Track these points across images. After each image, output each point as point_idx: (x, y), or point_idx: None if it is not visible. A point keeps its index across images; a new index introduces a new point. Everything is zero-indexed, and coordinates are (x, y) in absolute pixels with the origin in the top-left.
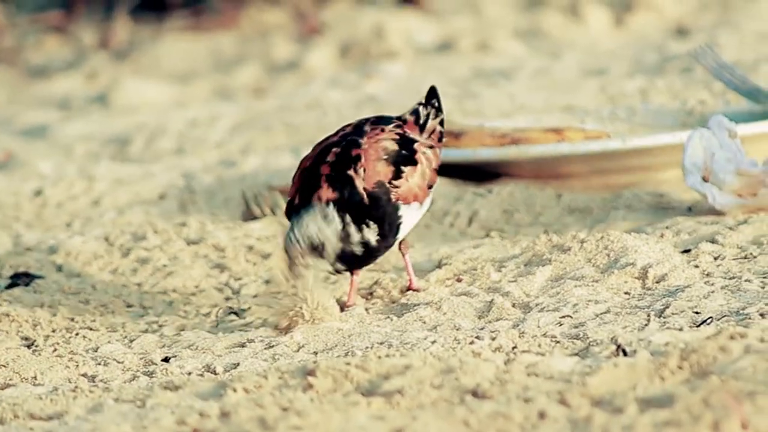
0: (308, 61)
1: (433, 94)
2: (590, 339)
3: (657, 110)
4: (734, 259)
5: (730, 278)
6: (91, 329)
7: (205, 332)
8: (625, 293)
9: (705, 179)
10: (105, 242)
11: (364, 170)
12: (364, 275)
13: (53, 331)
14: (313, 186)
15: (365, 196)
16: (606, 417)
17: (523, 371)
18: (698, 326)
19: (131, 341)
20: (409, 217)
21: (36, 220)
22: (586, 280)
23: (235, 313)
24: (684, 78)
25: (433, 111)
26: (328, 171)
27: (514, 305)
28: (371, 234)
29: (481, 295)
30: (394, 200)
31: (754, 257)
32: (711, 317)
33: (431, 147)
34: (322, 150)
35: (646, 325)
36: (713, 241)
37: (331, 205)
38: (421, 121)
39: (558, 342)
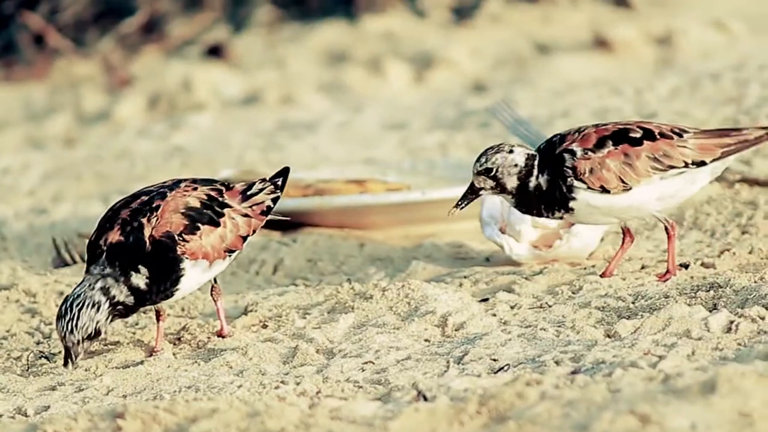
0: (118, 112)
1: (282, 173)
2: (392, 384)
3: (456, 164)
4: (530, 308)
5: (527, 326)
6: None
7: (16, 375)
8: (426, 340)
9: (502, 230)
10: None
11: (157, 219)
12: (171, 320)
13: None
14: (106, 229)
15: (148, 243)
16: None
17: (327, 415)
18: (496, 373)
19: None
20: (194, 272)
21: None
22: (388, 327)
23: (46, 357)
24: (482, 132)
25: (270, 187)
26: (126, 216)
27: (318, 351)
28: (140, 280)
29: (286, 341)
30: (179, 253)
31: (549, 306)
32: (508, 364)
33: (246, 215)
34: (132, 196)
35: (445, 371)
36: (510, 291)
37: (117, 264)
38: (249, 192)
39: (361, 387)
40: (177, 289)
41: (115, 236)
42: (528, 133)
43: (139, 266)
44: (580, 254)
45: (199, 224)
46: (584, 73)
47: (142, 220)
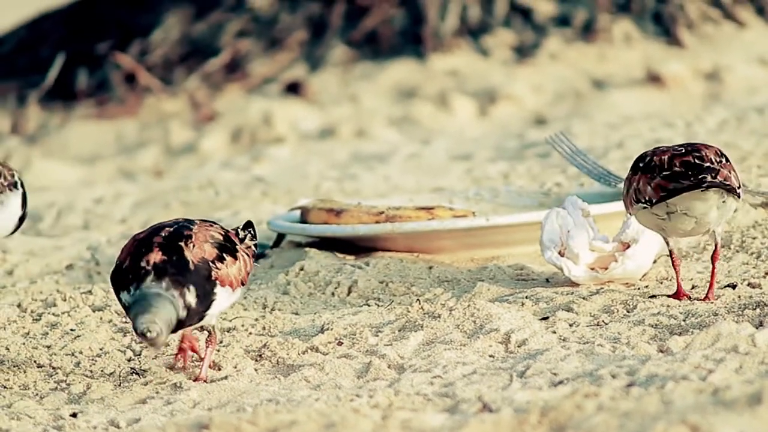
0: (203, 145)
1: (249, 225)
2: (459, 397)
3: (517, 191)
4: (587, 326)
5: (584, 343)
6: (5, 387)
7: (110, 390)
8: (490, 356)
9: (561, 254)
10: (18, 308)
11: (194, 246)
12: (253, 338)
13: None
14: (143, 252)
15: (191, 263)
16: None
17: (399, 426)
18: (556, 386)
19: (42, 398)
20: (222, 298)
21: None
22: (455, 344)
23: (137, 373)
24: (542, 163)
25: (250, 234)
26: (160, 240)
27: (389, 366)
28: (192, 297)
29: (360, 357)
30: (213, 277)
31: (606, 324)
32: (567, 378)
33: (249, 255)
34: (155, 228)
35: (509, 384)
36: (569, 310)
37: (164, 282)
38: (240, 236)
39: (430, 400)
40: (207, 313)
41: (158, 257)
42: (585, 163)
43: (190, 285)
44: (634, 275)
45: (225, 255)
46: (637, 107)
47: (180, 244)
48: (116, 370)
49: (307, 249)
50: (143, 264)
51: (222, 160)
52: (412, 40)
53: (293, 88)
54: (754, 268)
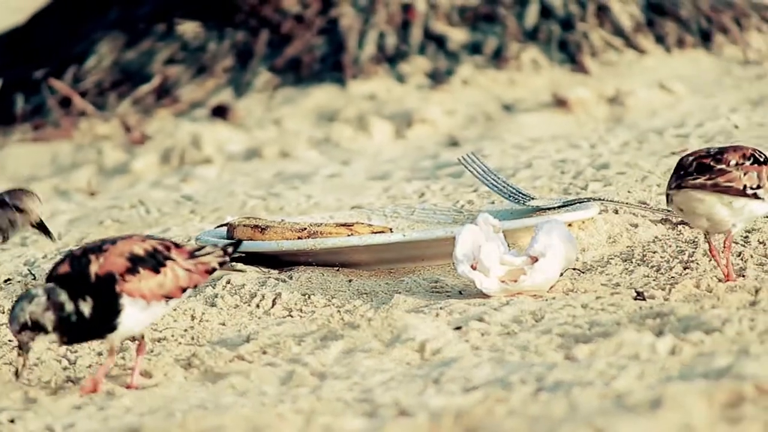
0: (134, 166)
1: (236, 244)
2: (377, 402)
3: (432, 209)
4: (498, 335)
5: (495, 351)
6: None
7: (46, 397)
8: (407, 364)
9: (473, 267)
10: None
11: (104, 259)
12: (183, 348)
13: None
14: (59, 263)
15: (92, 275)
16: None
17: (321, 430)
18: (469, 392)
19: None
20: (132, 309)
21: None
22: (373, 352)
23: (72, 381)
24: (455, 182)
25: (220, 253)
26: (77, 254)
27: (311, 374)
28: (86, 307)
29: (284, 365)
30: (118, 289)
31: (516, 333)
32: (479, 384)
33: (188, 270)
34: (91, 244)
35: (424, 390)
36: (481, 320)
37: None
38: (197, 253)
39: (350, 405)
40: (119, 323)
41: (65, 268)
42: (495, 182)
43: (86, 296)
44: (542, 287)
45: (140, 268)
46: (545, 130)
47: (90, 257)
48: (52, 378)
49: (233, 263)
50: (53, 273)
51: (152, 180)
52: (333, 67)
53: (220, 112)
54: (654, 280)
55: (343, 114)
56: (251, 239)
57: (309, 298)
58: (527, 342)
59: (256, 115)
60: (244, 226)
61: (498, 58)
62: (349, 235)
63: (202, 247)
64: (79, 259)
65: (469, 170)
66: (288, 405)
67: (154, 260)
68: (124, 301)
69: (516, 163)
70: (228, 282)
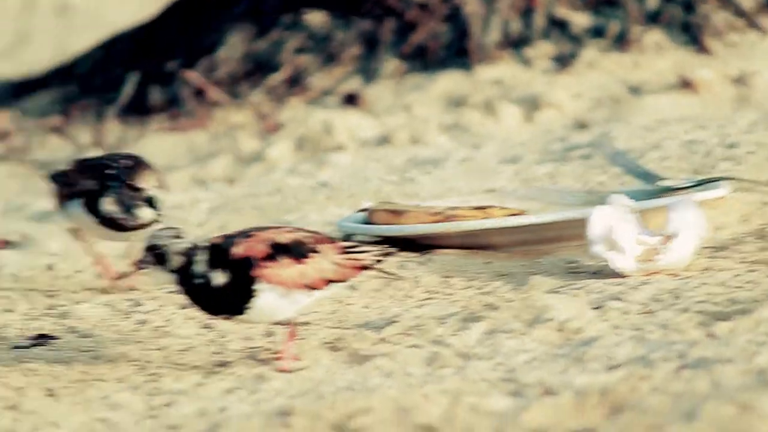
0: (270, 153)
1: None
2: (521, 382)
3: (563, 190)
4: (638, 314)
5: (636, 330)
6: (102, 380)
7: (198, 381)
8: (548, 343)
9: (609, 248)
10: (109, 308)
11: (247, 243)
12: (329, 331)
13: (70, 382)
14: (216, 237)
15: (232, 254)
16: None
17: (467, 409)
18: (611, 370)
19: (136, 389)
20: (267, 295)
21: (49, 290)
22: (515, 333)
23: (222, 366)
24: (585, 164)
25: (377, 252)
26: (230, 234)
27: (456, 355)
28: (218, 278)
29: (428, 346)
30: (253, 273)
31: (655, 312)
32: (622, 362)
33: (336, 264)
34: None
35: (567, 369)
36: (619, 299)
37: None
38: (348, 248)
39: (495, 385)
40: (250, 307)
41: (216, 240)
42: (625, 163)
43: (223, 270)
44: (678, 266)
45: (280, 256)
46: (671, 111)
47: (238, 239)
48: (203, 363)
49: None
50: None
51: (288, 167)
52: (458, 53)
53: (350, 100)
54: None
55: (471, 99)
56: (389, 223)
57: (449, 280)
58: (667, 320)
59: (386, 101)
60: (382, 211)
61: (621, 41)
62: (484, 218)
63: (360, 244)
64: (229, 237)
65: (599, 152)
66: (434, 386)
67: (298, 250)
68: (261, 286)
69: (644, 144)
70: None
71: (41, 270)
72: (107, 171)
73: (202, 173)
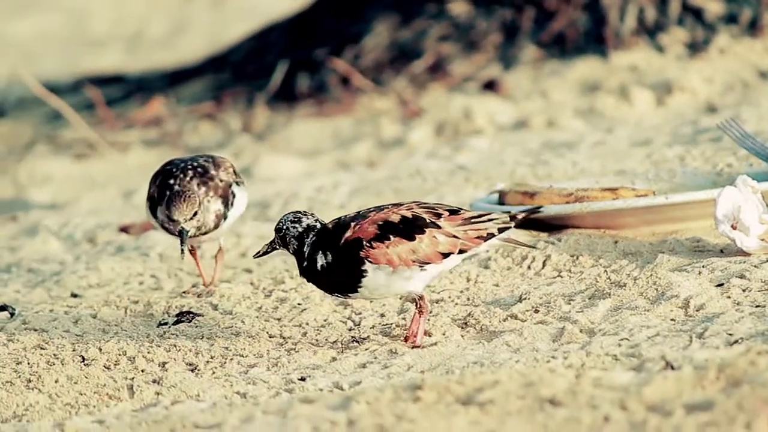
0: (410, 138)
1: (532, 211)
2: (644, 357)
3: (693, 172)
4: (759, 291)
5: (757, 306)
6: (242, 356)
7: (333, 356)
8: (671, 320)
9: (733, 227)
10: (251, 286)
11: (357, 227)
12: (459, 308)
13: (212, 357)
14: (333, 221)
15: (342, 239)
16: (658, 419)
17: (590, 383)
18: (731, 345)
19: (274, 365)
20: (377, 275)
21: (195, 269)
22: (639, 309)
23: (357, 341)
24: (714, 146)
25: (503, 220)
26: (346, 217)
27: (581, 331)
28: (322, 260)
29: (555, 323)
30: (362, 254)
31: None
32: (742, 338)
33: (453, 236)
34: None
35: (689, 345)
36: (742, 277)
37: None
38: (474, 219)
39: (618, 360)
40: (361, 286)
41: (331, 224)
42: (754, 145)
43: (328, 252)
44: None
45: (391, 235)
46: None
47: (351, 223)
48: (339, 338)
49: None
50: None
51: (428, 151)
52: (595, 40)
53: (490, 86)
54: None
55: (606, 84)
56: (522, 204)
57: (577, 259)
58: None
59: (524, 87)
60: (515, 192)
61: (753, 27)
62: (614, 199)
63: (484, 215)
64: (342, 219)
65: (729, 134)
66: (559, 360)
67: (410, 227)
68: (368, 266)
69: None
70: (501, 246)
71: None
72: (170, 180)
73: (346, 157)
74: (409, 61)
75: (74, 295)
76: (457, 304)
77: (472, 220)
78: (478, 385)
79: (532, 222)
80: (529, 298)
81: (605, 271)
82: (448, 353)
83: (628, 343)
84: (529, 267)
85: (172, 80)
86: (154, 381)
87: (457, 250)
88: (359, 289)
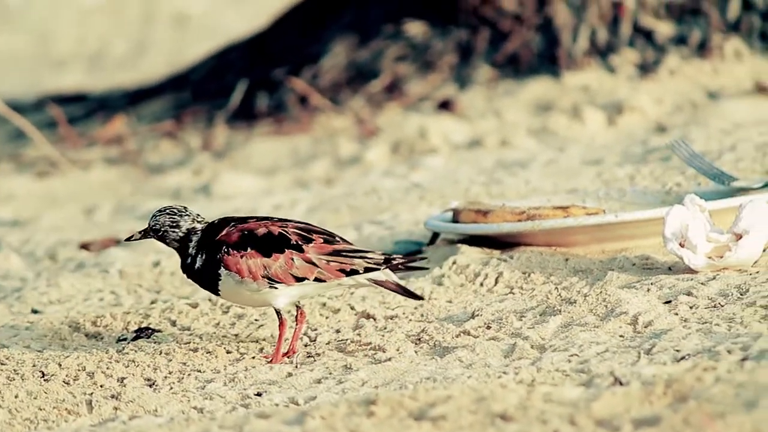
0: (367, 156)
1: (408, 259)
2: (593, 372)
3: (642, 191)
4: (706, 308)
5: (703, 323)
6: (199, 371)
7: (289, 372)
8: (620, 336)
9: (681, 245)
10: (209, 302)
11: (227, 230)
12: (414, 324)
13: (170, 373)
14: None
15: (213, 239)
16: None
17: (541, 399)
18: (678, 361)
19: (231, 380)
20: (227, 281)
21: (155, 285)
22: (589, 326)
23: (312, 357)
24: (663, 165)
25: (376, 261)
26: (224, 219)
27: (532, 347)
28: (200, 261)
29: (506, 339)
30: (218, 257)
31: (722, 306)
32: (688, 354)
33: (312, 263)
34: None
35: (637, 361)
36: (689, 294)
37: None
38: (345, 252)
39: (568, 375)
40: (219, 290)
41: (215, 222)
42: (702, 165)
43: (202, 251)
44: (747, 263)
45: (248, 247)
46: (747, 115)
47: (224, 225)
48: (294, 356)
49: (458, 245)
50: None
51: (384, 170)
52: (548, 61)
53: (445, 105)
54: None
55: (558, 104)
56: (475, 222)
57: (529, 276)
58: (733, 314)
59: (478, 107)
60: (468, 210)
61: (703, 48)
62: (565, 217)
63: (360, 251)
64: (223, 221)
65: (677, 154)
66: (510, 376)
67: (270, 244)
68: (222, 271)
69: (720, 146)
70: (454, 263)
71: (148, 267)
72: None
73: (303, 175)
74: (367, 81)
75: (35, 311)
76: (411, 320)
77: (343, 253)
78: (431, 400)
79: (485, 239)
80: (481, 315)
81: (556, 288)
82: (402, 369)
83: (578, 359)
84: (481, 284)
85: (133, 99)
86: (112, 396)
87: (312, 278)
88: (219, 292)
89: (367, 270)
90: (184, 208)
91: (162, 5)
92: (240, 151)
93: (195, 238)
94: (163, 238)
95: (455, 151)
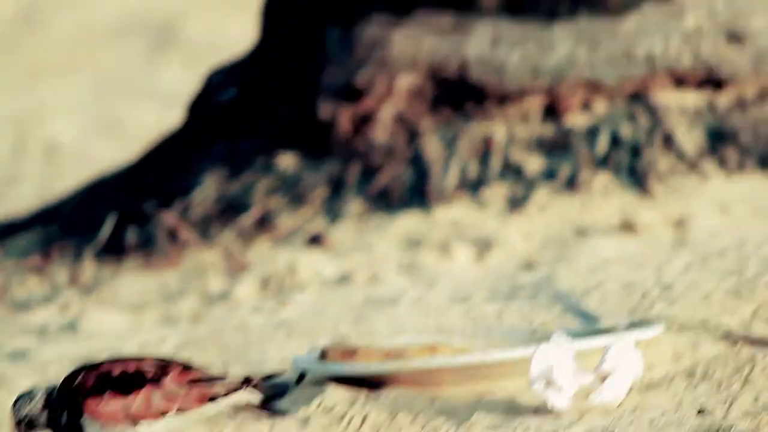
0: (236, 292)
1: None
2: None
3: (509, 329)
4: None
5: None
6: None
7: None
8: None
9: (547, 385)
10: None
11: (83, 377)
12: None
13: None
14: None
15: (69, 390)
16: None
17: None
18: None
19: None
20: (92, 429)
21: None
22: None
23: None
24: (531, 303)
25: (234, 385)
26: (80, 367)
27: None
28: (64, 417)
29: None
30: (77, 407)
31: None
32: None
33: (172, 395)
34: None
35: None
36: None
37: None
38: (201, 379)
39: None
40: None
41: (67, 376)
42: (569, 305)
43: (64, 407)
44: (612, 404)
45: (109, 390)
46: (614, 252)
47: (81, 373)
48: None
49: (326, 384)
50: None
51: (253, 306)
52: (419, 194)
53: (315, 240)
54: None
55: (428, 239)
56: (342, 361)
57: (395, 417)
58: None
59: (348, 241)
60: (335, 349)
61: (572, 183)
62: (432, 356)
63: (216, 377)
64: (75, 371)
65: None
66: None
67: (126, 382)
68: (84, 420)
69: (586, 285)
70: (320, 403)
71: (8, 410)
72: None
73: (172, 311)
74: (237, 215)
75: None
76: None
77: (200, 380)
78: None
79: (354, 378)
80: None
81: (422, 429)
82: None
83: None
84: (348, 424)
85: (0, 234)
86: None
87: (174, 410)
88: None
89: (228, 393)
90: (31, 390)
91: (33, 134)
92: (108, 287)
93: (55, 397)
94: (35, 424)
95: (325, 286)
